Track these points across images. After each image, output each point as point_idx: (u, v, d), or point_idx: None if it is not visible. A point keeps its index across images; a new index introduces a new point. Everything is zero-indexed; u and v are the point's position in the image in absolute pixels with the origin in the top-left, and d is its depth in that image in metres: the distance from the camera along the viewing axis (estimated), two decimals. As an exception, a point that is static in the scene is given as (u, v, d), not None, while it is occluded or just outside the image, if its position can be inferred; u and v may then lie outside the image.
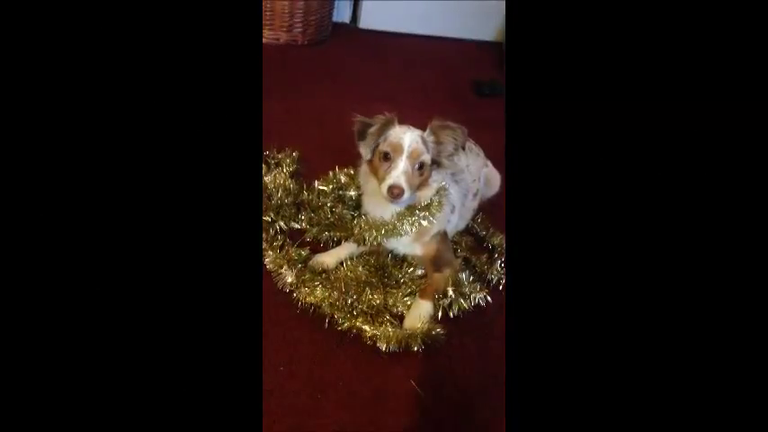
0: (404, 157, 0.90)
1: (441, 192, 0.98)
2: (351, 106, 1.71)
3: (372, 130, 0.93)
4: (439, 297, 0.97)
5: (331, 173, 1.27)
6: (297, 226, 1.13)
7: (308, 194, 1.20)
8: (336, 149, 1.44)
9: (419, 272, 1.03)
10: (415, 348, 0.89)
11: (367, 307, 0.94)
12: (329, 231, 1.12)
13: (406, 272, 1.03)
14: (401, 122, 0.95)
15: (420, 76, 2.05)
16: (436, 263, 1.00)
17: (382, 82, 1.96)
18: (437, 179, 0.98)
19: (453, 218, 1.06)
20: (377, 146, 0.93)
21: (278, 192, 1.17)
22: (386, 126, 0.93)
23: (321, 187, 1.23)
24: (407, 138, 0.91)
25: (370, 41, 2.32)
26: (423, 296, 0.97)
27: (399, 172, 0.89)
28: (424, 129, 0.95)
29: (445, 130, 0.94)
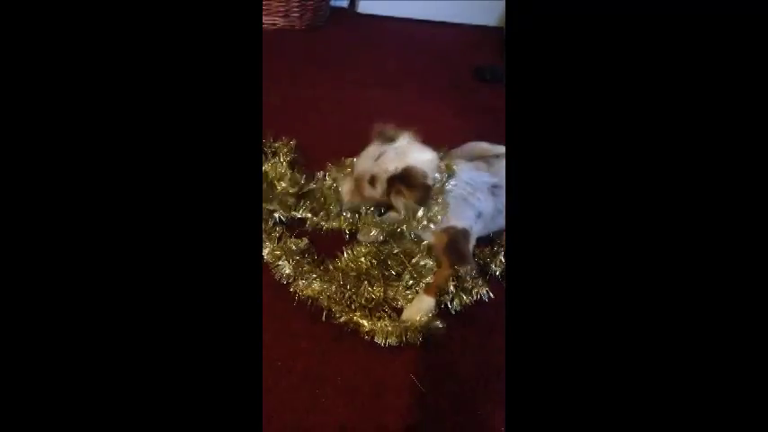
0: None
1: (441, 198, 0.94)
2: (349, 92, 1.69)
3: None
4: (441, 293, 0.95)
5: (347, 160, 1.17)
6: (298, 215, 1.08)
7: (317, 183, 1.14)
8: (335, 136, 1.41)
9: (422, 262, 1.00)
10: (413, 340, 0.87)
11: (365, 300, 0.92)
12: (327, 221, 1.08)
13: (408, 263, 1.00)
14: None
15: (420, 62, 2.01)
16: (448, 257, 0.96)
17: (381, 68, 1.92)
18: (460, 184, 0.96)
19: (477, 225, 1.01)
20: None
21: (279, 181, 1.13)
22: None
23: (331, 174, 1.16)
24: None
25: (369, 27, 2.27)
26: (426, 292, 0.95)
27: None
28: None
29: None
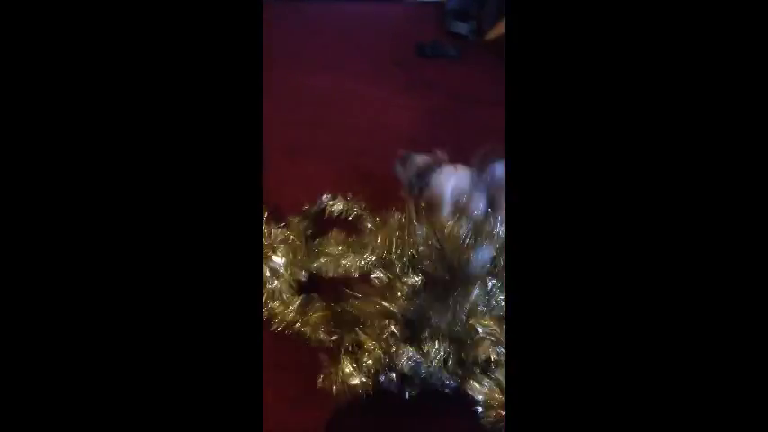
0: None
1: None
2: (293, 79, 1.66)
3: None
4: None
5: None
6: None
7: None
8: (281, 125, 1.39)
9: None
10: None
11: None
12: None
13: None
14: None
15: (361, 42, 2.00)
16: None
17: (322, 52, 1.90)
18: None
19: None
20: None
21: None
22: None
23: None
24: None
25: (306, 11, 2.23)
26: None
27: None
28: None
29: None
